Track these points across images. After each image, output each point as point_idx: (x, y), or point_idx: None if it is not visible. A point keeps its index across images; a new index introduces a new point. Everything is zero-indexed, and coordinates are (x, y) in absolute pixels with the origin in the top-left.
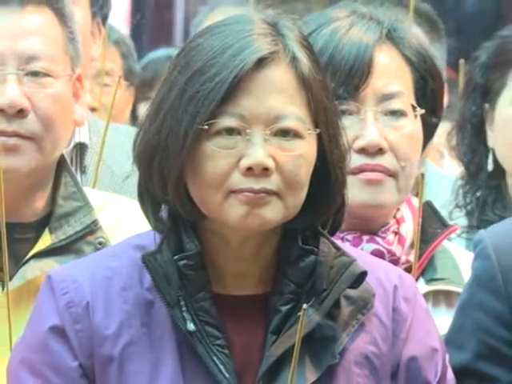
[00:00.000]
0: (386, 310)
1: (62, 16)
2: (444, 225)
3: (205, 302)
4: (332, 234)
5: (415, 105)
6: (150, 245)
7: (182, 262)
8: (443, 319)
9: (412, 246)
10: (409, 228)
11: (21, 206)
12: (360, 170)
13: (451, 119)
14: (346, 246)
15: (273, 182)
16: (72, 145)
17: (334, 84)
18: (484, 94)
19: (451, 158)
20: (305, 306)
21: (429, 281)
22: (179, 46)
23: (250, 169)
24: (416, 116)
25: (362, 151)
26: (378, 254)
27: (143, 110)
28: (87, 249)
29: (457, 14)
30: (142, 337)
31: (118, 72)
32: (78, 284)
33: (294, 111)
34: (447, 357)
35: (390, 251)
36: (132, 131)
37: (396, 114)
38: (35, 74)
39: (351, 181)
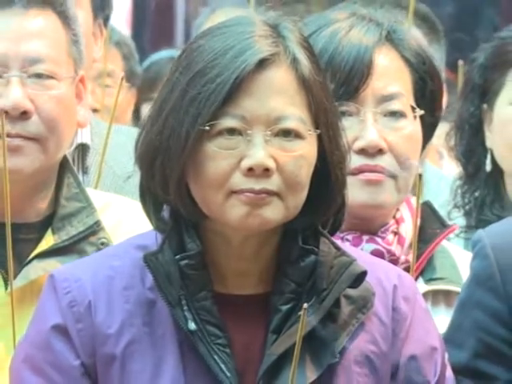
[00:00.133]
0: (385, 310)
1: (65, 18)
2: (443, 225)
3: (206, 302)
4: (332, 233)
5: (414, 106)
6: (151, 244)
7: (183, 262)
8: (442, 318)
9: (411, 245)
10: (408, 228)
11: (25, 206)
12: (360, 171)
13: (450, 120)
14: (346, 246)
15: (273, 183)
16: (74, 146)
17: (334, 85)
18: (482, 95)
19: (450, 158)
20: (305, 305)
21: (428, 280)
22: (181, 48)
23: (250, 169)
24: (415, 117)
25: (362, 152)
26: (377, 253)
27: (146, 110)
28: (90, 249)
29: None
30: (143, 336)
31: (120, 73)
32: (81, 283)
33: (294, 112)
34: (446, 356)
35: (389, 251)
36: (133, 132)
37: (395, 114)
38: (39, 76)
39: (351, 181)
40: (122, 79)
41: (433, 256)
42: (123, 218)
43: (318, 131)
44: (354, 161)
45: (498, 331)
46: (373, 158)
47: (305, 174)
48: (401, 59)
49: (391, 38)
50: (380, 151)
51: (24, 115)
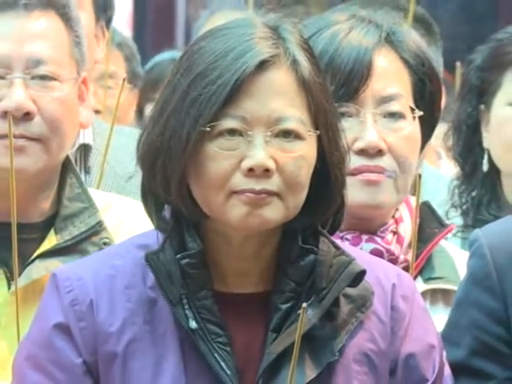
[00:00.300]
0: (384, 308)
1: (68, 20)
2: (441, 224)
3: (207, 300)
4: (331, 233)
5: (414, 107)
6: (152, 244)
7: (184, 261)
8: (441, 317)
9: (410, 245)
10: (407, 228)
11: (28, 206)
12: (359, 171)
13: (448, 120)
14: (346, 246)
15: (273, 183)
16: (76, 146)
17: (334, 86)
18: (479, 96)
19: (448, 158)
20: (304, 304)
21: (427, 280)
22: (182, 49)
23: (251, 170)
24: (414, 118)
25: (362, 152)
26: (376, 253)
27: (149, 111)
28: (92, 249)
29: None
30: (145, 334)
31: (122, 74)
32: (82, 282)
33: (294, 113)
34: (444, 354)
35: (388, 250)
36: (135, 133)
37: (395, 115)
38: (41, 77)
39: (350, 181)
40: (124, 80)
41: (431, 255)
42: (125, 218)
43: (318, 132)
44: (354, 161)
45: (495, 330)
46: (372, 159)
47: (304, 174)
48: (400, 61)
49: (391, 40)
50: (379, 152)
51: (27, 116)
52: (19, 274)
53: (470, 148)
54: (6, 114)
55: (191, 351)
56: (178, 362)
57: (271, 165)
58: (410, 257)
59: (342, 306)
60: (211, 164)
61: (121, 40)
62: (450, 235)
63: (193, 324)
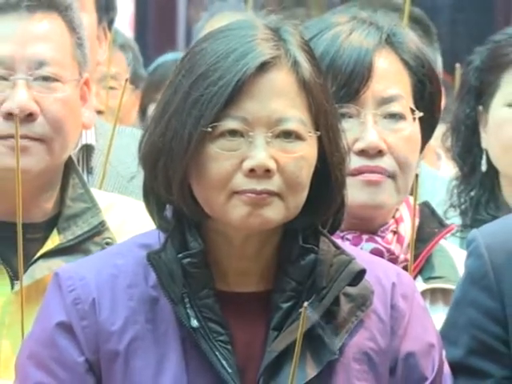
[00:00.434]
0: (384, 307)
1: (70, 22)
2: (441, 224)
3: (208, 299)
4: (332, 233)
5: (414, 108)
6: (154, 243)
7: (185, 260)
8: (440, 316)
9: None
10: (407, 227)
11: (31, 206)
12: (360, 172)
13: (447, 121)
14: (346, 245)
15: (274, 183)
16: (79, 147)
17: (335, 87)
18: (478, 97)
19: (448, 159)
20: (305, 303)
21: (426, 279)
22: (184, 50)
23: (252, 170)
24: (414, 119)
25: (362, 153)
26: (377, 252)
27: None
28: (94, 249)
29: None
30: (146, 333)
31: (124, 76)
32: (85, 281)
33: (295, 114)
34: (444, 352)
35: (388, 250)
36: (137, 133)
37: (395, 116)
38: (44, 78)
39: (351, 182)
40: (126, 81)
41: (431, 255)
42: (127, 218)
43: (318, 133)
44: (354, 162)
45: (492, 329)
46: (373, 159)
47: (305, 174)
48: (400, 62)
49: (391, 42)
50: (380, 152)
51: (30, 117)
52: (23, 274)
53: (468, 148)
54: (9, 115)
55: (193, 350)
56: (179, 360)
57: (272, 165)
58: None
59: (342, 305)
60: (212, 164)
61: (123, 41)
62: (448, 235)
63: (194, 323)
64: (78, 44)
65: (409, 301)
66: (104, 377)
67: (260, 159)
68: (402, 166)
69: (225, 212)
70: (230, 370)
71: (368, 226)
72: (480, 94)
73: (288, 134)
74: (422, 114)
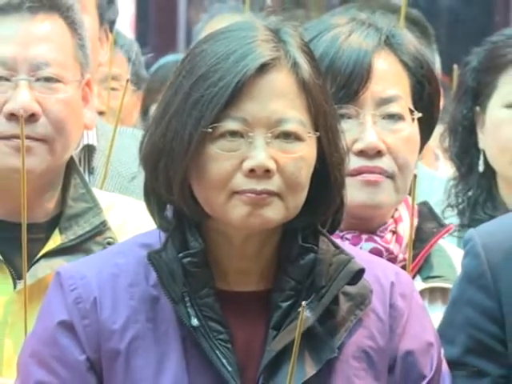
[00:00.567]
0: (383, 306)
1: (72, 23)
2: (440, 224)
3: (208, 298)
4: (331, 232)
5: (412, 108)
6: (155, 243)
7: (186, 260)
8: (439, 315)
9: None
10: (406, 227)
11: (33, 206)
12: (359, 172)
13: (444, 122)
14: (345, 245)
15: (274, 184)
16: (80, 147)
17: (334, 88)
18: (475, 98)
19: (446, 160)
20: (304, 303)
21: (425, 278)
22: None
23: (252, 170)
24: (413, 119)
25: (361, 153)
26: (376, 252)
27: None
28: (96, 249)
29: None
30: (147, 332)
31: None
32: (86, 280)
33: (294, 115)
34: (442, 351)
35: (387, 249)
36: (138, 134)
37: (394, 117)
38: (46, 79)
39: (350, 182)
40: (127, 82)
41: (430, 254)
42: (128, 218)
43: (318, 133)
44: (354, 162)
45: (489, 328)
46: (372, 160)
47: (304, 175)
48: (399, 63)
49: (390, 43)
50: (379, 153)
51: (32, 117)
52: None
53: (466, 149)
54: (11, 115)
55: (193, 348)
56: (180, 359)
57: (272, 165)
58: None
59: (341, 304)
60: (213, 165)
61: (125, 43)
62: (446, 234)
63: (194, 322)
64: (80, 45)
65: (407, 300)
66: (105, 375)
67: (260, 159)
68: (401, 167)
69: (225, 212)
70: (230, 369)
71: (367, 225)
72: (477, 94)
73: (287, 135)
74: (420, 115)
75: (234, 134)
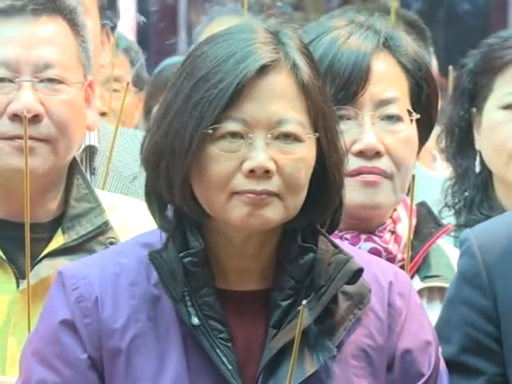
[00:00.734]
0: (381, 305)
1: (74, 25)
2: (438, 224)
3: (209, 298)
4: (330, 232)
5: (411, 110)
6: (156, 243)
7: (186, 259)
8: (437, 315)
9: None
10: (405, 227)
11: (36, 206)
12: (358, 173)
13: (441, 123)
14: (344, 245)
15: (274, 184)
16: (82, 148)
17: (334, 90)
18: (472, 99)
19: (443, 161)
20: (304, 301)
21: (424, 278)
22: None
23: (252, 171)
24: (412, 121)
25: (360, 154)
26: (375, 252)
27: None
28: (98, 248)
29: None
30: (148, 330)
31: (128, 78)
32: (88, 280)
33: (294, 116)
34: (440, 350)
35: (386, 249)
36: (139, 135)
37: (392, 118)
38: (49, 80)
39: (349, 183)
40: (128, 84)
41: (428, 254)
42: (129, 218)
43: (317, 134)
44: (352, 163)
45: (485, 327)
46: (370, 161)
47: (304, 175)
48: (398, 65)
49: (388, 45)
50: (377, 154)
51: (35, 118)
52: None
53: (462, 150)
54: (15, 116)
55: (193, 347)
56: (180, 357)
57: (271, 166)
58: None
59: (340, 303)
60: (213, 165)
61: (127, 45)
62: (444, 234)
63: (195, 320)
64: (83, 47)
65: (406, 299)
66: (106, 374)
67: (260, 160)
68: (400, 167)
69: (225, 212)
70: (230, 367)
71: (366, 225)
72: (474, 96)
73: (287, 136)
74: (419, 116)
75: (234, 134)
